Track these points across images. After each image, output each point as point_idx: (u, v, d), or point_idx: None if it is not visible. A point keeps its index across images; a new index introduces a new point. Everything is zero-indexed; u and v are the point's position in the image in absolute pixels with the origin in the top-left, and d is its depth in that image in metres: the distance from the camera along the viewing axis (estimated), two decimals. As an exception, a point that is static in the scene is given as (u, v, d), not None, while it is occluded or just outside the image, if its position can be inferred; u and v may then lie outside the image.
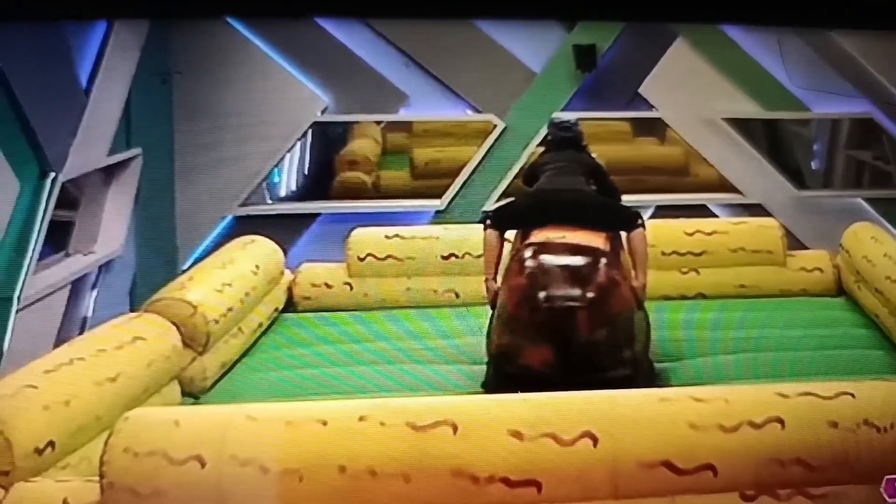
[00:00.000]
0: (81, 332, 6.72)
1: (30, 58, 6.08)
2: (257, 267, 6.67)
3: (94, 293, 7.15)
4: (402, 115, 8.77)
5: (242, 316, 6.31)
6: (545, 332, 5.27)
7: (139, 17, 7.23)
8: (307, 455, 3.69)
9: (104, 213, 7.25)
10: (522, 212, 5.97)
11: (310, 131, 8.73)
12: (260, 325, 6.66)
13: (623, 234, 5.87)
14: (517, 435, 3.71)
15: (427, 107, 8.69)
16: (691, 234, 7.36)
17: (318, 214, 8.69)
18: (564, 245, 5.57)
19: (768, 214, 8.35)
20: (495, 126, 8.62)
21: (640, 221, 5.85)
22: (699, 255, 7.35)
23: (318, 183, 9.14)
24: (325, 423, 3.76)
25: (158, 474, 3.64)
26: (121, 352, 4.92)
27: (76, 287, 6.90)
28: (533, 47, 8.53)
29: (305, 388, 5.59)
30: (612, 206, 6.06)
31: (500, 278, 5.77)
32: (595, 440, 3.72)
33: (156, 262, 7.91)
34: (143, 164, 7.59)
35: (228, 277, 6.27)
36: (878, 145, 9.00)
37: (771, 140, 9.02)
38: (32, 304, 6.24)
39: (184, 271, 7.04)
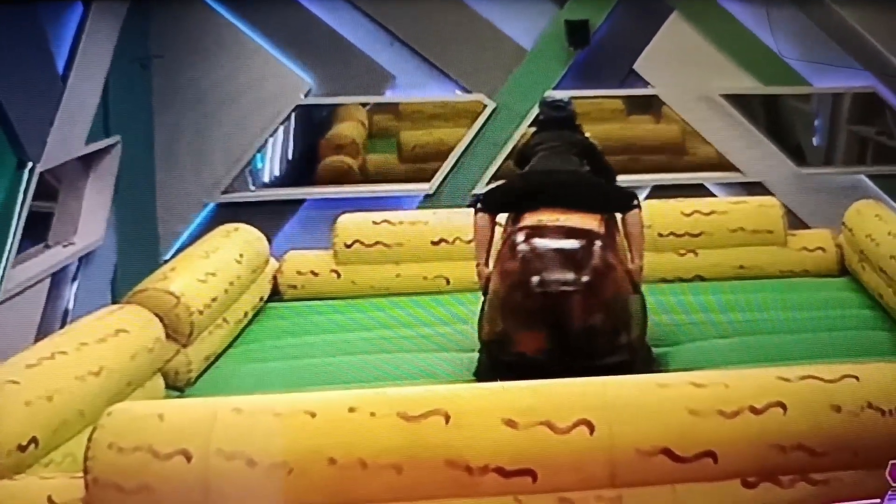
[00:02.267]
0: (63, 325, 6.60)
1: (3, 44, 5.95)
2: (241, 256, 6.57)
3: (75, 285, 7.02)
4: (389, 96, 8.65)
5: (227, 306, 6.21)
6: (539, 318, 5.17)
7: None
8: (296, 447, 3.64)
9: (84, 203, 7.12)
10: (514, 194, 5.86)
11: (293, 115, 8.60)
12: (245, 315, 6.55)
13: (618, 215, 5.78)
14: (511, 423, 3.66)
15: (414, 88, 8.55)
16: (689, 215, 7.28)
17: (303, 201, 8.56)
18: (558, 228, 5.47)
19: (768, 193, 8.26)
20: (485, 106, 8.49)
21: (635, 202, 5.76)
22: (697, 235, 7.27)
23: (302, 168, 9.02)
24: (313, 415, 3.71)
25: (144, 469, 3.59)
26: (103, 345, 4.84)
27: (56, 279, 6.78)
28: (523, 24, 8.40)
29: (292, 378, 5.49)
30: (606, 187, 5.96)
31: (491, 263, 5.68)
32: (591, 428, 3.67)
33: (137, 252, 7.79)
34: (122, 151, 7.45)
35: (212, 267, 6.17)
36: (881, 120, 8.92)
37: (771, 116, 8.93)
38: (12, 297, 6.12)
39: (166, 261, 6.91)
